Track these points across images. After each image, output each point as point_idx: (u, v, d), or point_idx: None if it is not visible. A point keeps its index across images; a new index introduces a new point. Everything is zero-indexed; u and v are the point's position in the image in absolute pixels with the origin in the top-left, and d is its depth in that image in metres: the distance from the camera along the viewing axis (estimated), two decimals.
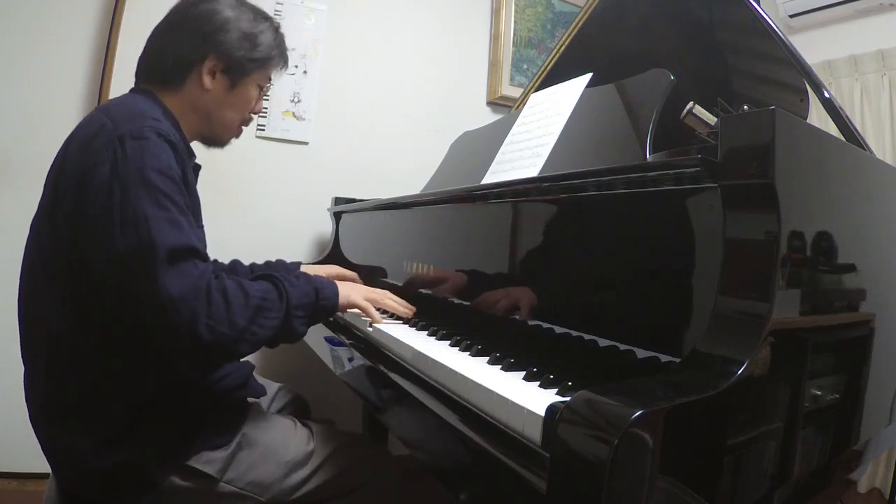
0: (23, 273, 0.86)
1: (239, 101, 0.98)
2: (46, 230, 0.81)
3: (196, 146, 1.02)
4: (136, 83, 0.97)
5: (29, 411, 0.85)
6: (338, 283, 0.95)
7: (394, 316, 1.09)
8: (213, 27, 0.92)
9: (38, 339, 0.83)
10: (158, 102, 0.91)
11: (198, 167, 1.02)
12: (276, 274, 0.86)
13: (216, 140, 1.02)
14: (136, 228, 0.72)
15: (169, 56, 0.92)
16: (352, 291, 0.98)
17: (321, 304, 0.88)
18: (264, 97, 1.06)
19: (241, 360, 1.02)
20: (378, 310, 1.01)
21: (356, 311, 1.00)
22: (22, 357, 0.86)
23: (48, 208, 0.82)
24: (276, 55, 1.00)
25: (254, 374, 1.06)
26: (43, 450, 0.84)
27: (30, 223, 0.87)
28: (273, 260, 1.41)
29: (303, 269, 1.36)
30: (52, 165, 0.84)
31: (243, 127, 1.04)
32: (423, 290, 1.17)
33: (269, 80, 1.03)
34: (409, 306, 1.06)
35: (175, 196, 0.77)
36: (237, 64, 0.94)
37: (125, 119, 0.79)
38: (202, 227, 0.97)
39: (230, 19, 0.93)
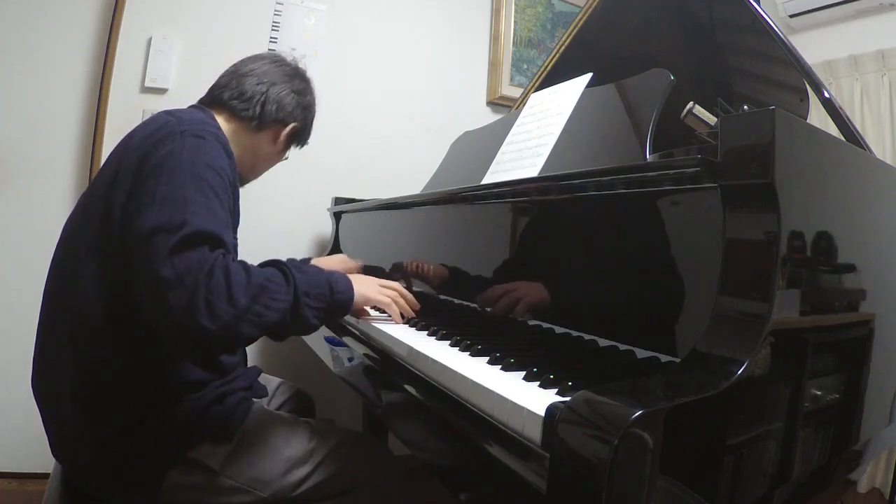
0: (59, 252, 0.89)
1: (278, 160, 1.17)
2: (100, 208, 0.83)
3: None
4: (206, 103, 1.04)
5: (35, 393, 0.85)
6: (350, 277, 0.92)
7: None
8: (307, 102, 1.12)
9: (64, 321, 0.84)
10: (215, 124, 0.96)
11: None
12: (281, 261, 0.85)
13: (242, 180, 1.13)
14: (173, 208, 0.73)
15: (272, 107, 1.04)
16: (367, 288, 0.96)
17: (336, 298, 0.85)
18: None
19: (249, 365, 1.03)
20: (380, 310, 1.01)
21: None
22: (39, 339, 0.87)
23: (105, 192, 0.83)
24: (307, 140, 1.19)
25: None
26: (48, 435, 0.84)
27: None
28: (284, 259, 1.41)
29: (315, 261, 1.37)
30: (112, 154, 0.89)
31: None
32: (423, 290, 1.17)
33: None
34: (415, 305, 1.04)
35: (220, 192, 0.80)
36: (301, 136, 1.14)
37: (189, 121, 0.86)
38: (236, 239, 1.00)
39: (313, 103, 1.14)
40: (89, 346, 0.81)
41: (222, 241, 0.75)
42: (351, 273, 1.02)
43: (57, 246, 0.90)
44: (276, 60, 1.09)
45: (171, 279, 0.69)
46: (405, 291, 1.03)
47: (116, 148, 0.89)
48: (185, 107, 1.01)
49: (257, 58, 1.09)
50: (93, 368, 0.81)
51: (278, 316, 0.77)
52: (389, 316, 1.01)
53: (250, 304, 0.73)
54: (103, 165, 0.89)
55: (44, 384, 0.86)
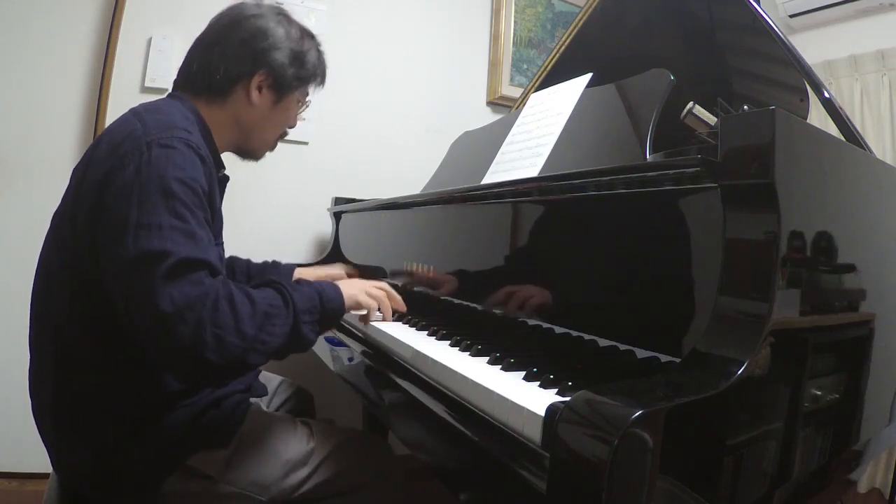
0: (38, 267, 0.86)
1: (281, 117, 1.01)
2: (67, 228, 0.80)
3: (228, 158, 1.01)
4: (174, 90, 0.96)
5: (32, 406, 0.85)
6: (339, 283, 0.92)
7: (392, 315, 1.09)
8: (265, 44, 0.93)
9: (46, 335, 0.83)
10: (195, 112, 0.90)
11: (226, 178, 1.01)
12: (278, 280, 0.84)
13: (252, 154, 1.04)
14: (148, 236, 0.69)
15: (218, 69, 0.92)
16: (356, 291, 0.95)
17: (327, 308, 0.85)
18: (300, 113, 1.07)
19: None
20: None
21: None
22: (30, 351, 0.86)
23: (71, 206, 0.80)
24: (319, 73, 1.03)
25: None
26: (44, 443, 0.84)
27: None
28: (269, 261, 1.41)
29: (298, 271, 1.37)
30: (79, 164, 0.84)
31: (278, 141, 1.06)
32: (424, 290, 1.17)
33: (307, 95, 1.05)
34: (401, 307, 1.04)
35: (195, 208, 0.74)
36: (285, 81, 0.96)
37: (157, 127, 0.78)
38: (221, 244, 0.96)
39: (281, 37, 0.95)
40: (69, 363, 0.80)
41: (210, 264, 0.73)
42: (336, 280, 1.01)
43: (39, 258, 0.87)
44: (223, 15, 0.96)
45: (173, 315, 0.66)
46: (392, 292, 1.03)
47: (81, 160, 0.84)
48: (164, 96, 0.94)
49: (214, 18, 0.97)
50: (76, 384, 0.80)
51: (282, 340, 0.76)
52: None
53: (257, 333, 0.73)
54: (73, 172, 0.84)
55: (36, 399, 0.85)
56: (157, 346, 0.69)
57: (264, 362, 0.76)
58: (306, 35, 1.00)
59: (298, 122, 1.08)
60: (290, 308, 0.78)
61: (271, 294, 0.79)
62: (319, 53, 1.03)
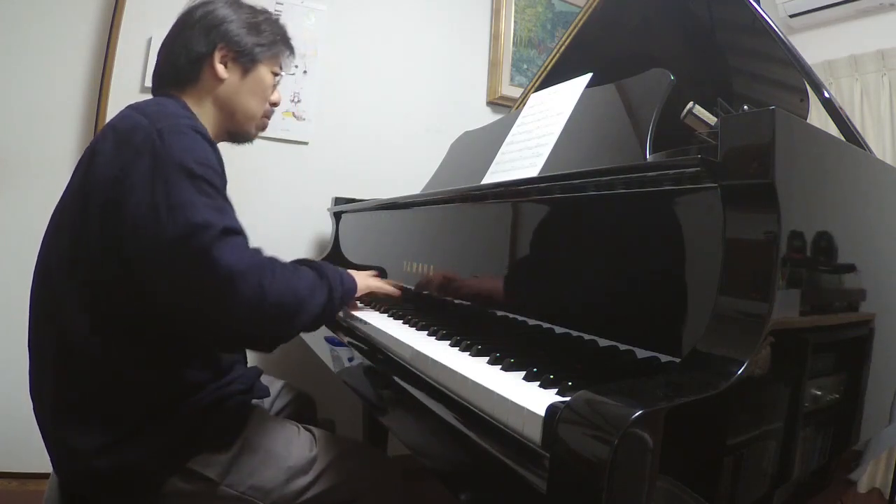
0: (38, 266, 0.87)
1: (256, 88, 1.02)
2: (74, 224, 0.80)
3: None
4: (154, 92, 0.99)
5: (33, 405, 0.85)
6: (346, 271, 1.02)
7: (392, 315, 1.09)
8: (216, 21, 0.97)
9: (47, 335, 0.83)
10: (185, 106, 0.92)
11: None
12: (310, 259, 0.95)
13: (242, 133, 1.05)
14: (185, 213, 0.73)
15: (180, 56, 0.95)
16: (367, 279, 1.08)
17: (346, 290, 0.96)
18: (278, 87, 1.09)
19: (249, 365, 1.03)
20: (369, 302, 1.08)
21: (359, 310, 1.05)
22: (29, 351, 0.86)
23: (78, 201, 0.81)
24: (281, 40, 1.05)
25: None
26: (45, 444, 0.84)
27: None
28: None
29: None
30: (81, 160, 0.85)
31: (266, 120, 1.07)
32: (424, 290, 1.17)
33: (280, 67, 1.07)
34: (397, 292, 1.17)
35: (220, 188, 0.80)
36: (246, 49, 0.99)
37: (161, 116, 0.81)
38: None
39: (230, 14, 0.98)
40: (71, 364, 0.80)
41: (245, 234, 0.79)
42: None
43: (38, 258, 0.87)
44: (179, 15, 0.99)
45: (237, 274, 0.72)
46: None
47: (83, 158, 0.85)
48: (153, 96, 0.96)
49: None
50: (78, 385, 0.80)
51: (319, 310, 0.87)
52: (389, 315, 1.02)
53: (306, 297, 0.83)
54: (76, 169, 0.85)
55: (37, 400, 0.85)
56: (217, 308, 0.74)
57: (304, 327, 0.86)
58: (258, 11, 1.04)
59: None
60: (325, 282, 0.90)
61: (308, 270, 0.89)
62: (276, 23, 1.05)
